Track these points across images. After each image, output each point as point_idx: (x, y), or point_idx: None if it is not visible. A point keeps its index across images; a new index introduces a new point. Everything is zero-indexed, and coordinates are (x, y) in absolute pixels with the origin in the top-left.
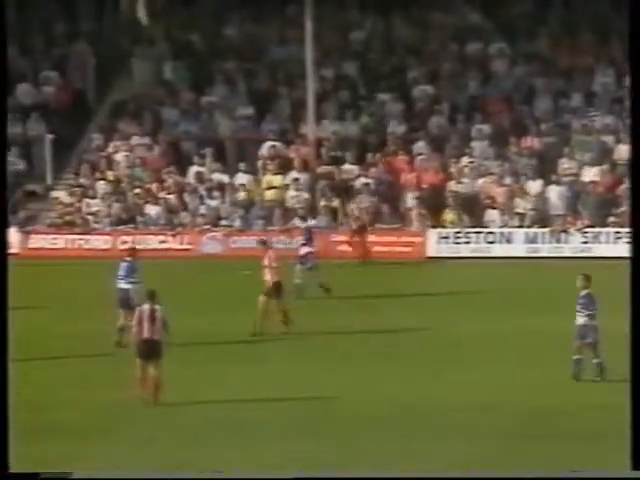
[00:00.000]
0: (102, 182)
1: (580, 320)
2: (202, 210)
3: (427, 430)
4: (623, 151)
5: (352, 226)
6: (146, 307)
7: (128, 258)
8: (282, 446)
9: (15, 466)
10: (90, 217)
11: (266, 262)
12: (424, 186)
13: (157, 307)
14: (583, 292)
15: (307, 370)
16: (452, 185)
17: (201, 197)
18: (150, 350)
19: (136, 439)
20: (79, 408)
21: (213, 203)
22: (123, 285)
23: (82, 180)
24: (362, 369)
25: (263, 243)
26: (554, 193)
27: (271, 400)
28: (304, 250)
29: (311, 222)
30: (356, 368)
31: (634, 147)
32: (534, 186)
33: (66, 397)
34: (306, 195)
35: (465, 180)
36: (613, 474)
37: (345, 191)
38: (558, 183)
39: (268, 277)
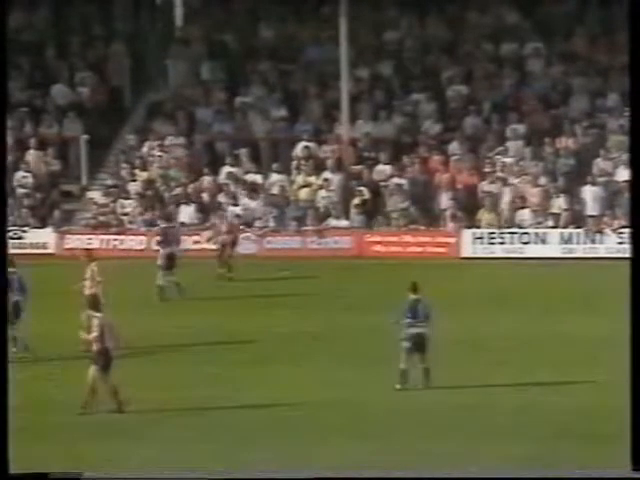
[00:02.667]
0: (137, 182)
1: (413, 329)
2: (236, 210)
3: (466, 430)
4: None
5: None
6: (104, 316)
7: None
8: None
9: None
10: (125, 217)
11: (88, 274)
12: (459, 186)
13: (101, 315)
14: (412, 298)
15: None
16: (487, 185)
17: (235, 197)
18: (109, 359)
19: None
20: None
21: (247, 203)
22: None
23: (117, 180)
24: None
25: (88, 256)
26: (589, 193)
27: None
28: (164, 251)
29: (167, 223)
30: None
31: (634, 147)
32: (570, 187)
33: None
34: (337, 195)
35: (500, 180)
36: (613, 474)
37: (378, 191)
38: (594, 183)
39: (88, 290)
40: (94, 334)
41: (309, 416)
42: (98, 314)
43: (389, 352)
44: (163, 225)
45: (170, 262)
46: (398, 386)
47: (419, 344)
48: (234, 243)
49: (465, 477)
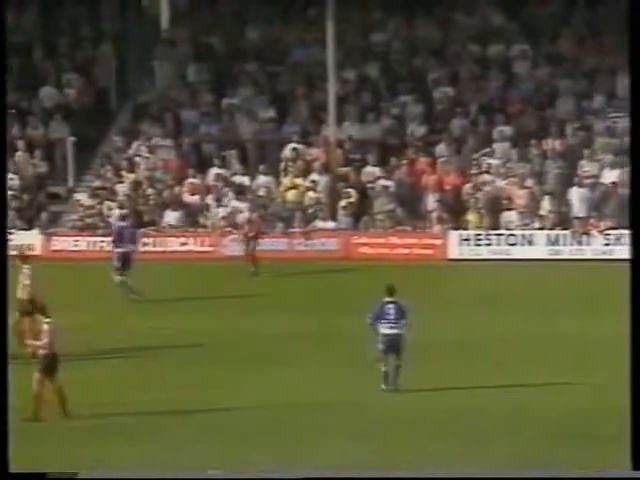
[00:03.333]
0: (124, 184)
1: (387, 330)
2: (223, 212)
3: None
4: None
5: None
6: (50, 319)
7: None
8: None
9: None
10: (112, 219)
11: (22, 278)
12: (445, 188)
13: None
14: (387, 300)
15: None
16: (473, 187)
17: (221, 199)
18: (56, 364)
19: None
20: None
21: (235, 205)
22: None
23: (104, 182)
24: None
25: (24, 258)
26: (576, 195)
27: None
28: (118, 250)
29: (121, 223)
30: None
31: (634, 147)
32: (557, 188)
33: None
34: (325, 197)
35: (487, 182)
36: (613, 474)
37: (366, 193)
38: (580, 185)
39: (21, 294)
40: (45, 340)
41: (302, 417)
42: (48, 319)
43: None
44: (118, 224)
45: (125, 262)
46: (383, 387)
47: (393, 345)
48: (257, 238)
49: (465, 477)
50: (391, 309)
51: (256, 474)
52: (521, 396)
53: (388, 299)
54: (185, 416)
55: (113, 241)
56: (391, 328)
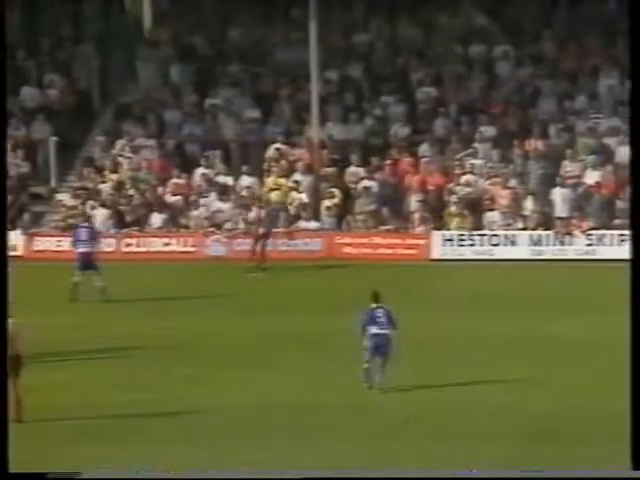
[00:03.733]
0: (106, 184)
1: (376, 330)
2: (206, 212)
3: (434, 432)
4: (626, 153)
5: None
6: (14, 320)
7: None
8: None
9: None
10: (94, 220)
11: None
12: (429, 188)
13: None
14: (373, 306)
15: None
16: (456, 187)
17: (202, 199)
18: (18, 365)
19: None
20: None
21: (218, 205)
22: None
23: (86, 183)
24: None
25: None
26: (558, 195)
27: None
28: (81, 250)
29: (83, 224)
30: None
31: (634, 148)
32: (539, 189)
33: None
34: (308, 197)
35: (469, 182)
36: (613, 474)
37: (349, 193)
38: (563, 185)
39: None
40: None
41: (283, 418)
42: (11, 320)
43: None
44: (80, 225)
45: (85, 263)
46: (367, 384)
47: (381, 345)
48: (267, 236)
49: (464, 477)
50: (380, 313)
51: (255, 474)
52: (502, 396)
53: (375, 305)
54: (167, 417)
55: (73, 242)
56: (380, 329)
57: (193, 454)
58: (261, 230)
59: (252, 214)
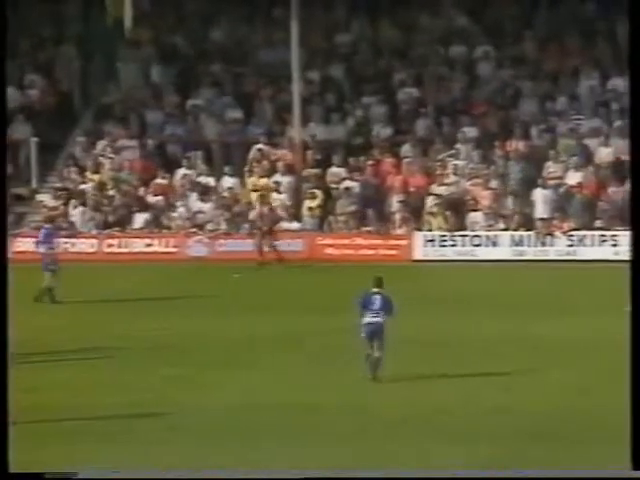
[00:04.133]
0: (88, 185)
1: (369, 319)
2: (188, 213)
3: (423, 433)
4: (607, 154)
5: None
6: None
7: None
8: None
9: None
10: (76, 220)
11: None
12: (411, 189)
13: None
14: (372, 291)
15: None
16: (438, 188)
17: (184, 200)
18: None
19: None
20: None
21: (199, 206)
22: None
23: (67, 183)
24: (351, 372)
25: None
26: (540, 196)
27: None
28: (42, 250)
29: (47, 225)
30: (345, 371)
31: (634, 149)
32: (520, 189)
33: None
34: (290, 198)
35: (451, 183)
36: (613, 474)
37: (331, 194)
38: (544, 186)
39: None
40: None
41: (268, 418)
42: None
43: (347, 354)
44: (44, 227)
45: (46, 263)
46: (368, 372)
47: (374, 333)
48: (272, 232)
49: (464, 477)
50: (376, 299)
51: (256, 474)
52: (482, 397)
53: (375, 290)
54: (153, 418)
55: (36, 243)
56: (373, 317)
57: (180, 454)
58: (265, 227)
59: (254, 212)
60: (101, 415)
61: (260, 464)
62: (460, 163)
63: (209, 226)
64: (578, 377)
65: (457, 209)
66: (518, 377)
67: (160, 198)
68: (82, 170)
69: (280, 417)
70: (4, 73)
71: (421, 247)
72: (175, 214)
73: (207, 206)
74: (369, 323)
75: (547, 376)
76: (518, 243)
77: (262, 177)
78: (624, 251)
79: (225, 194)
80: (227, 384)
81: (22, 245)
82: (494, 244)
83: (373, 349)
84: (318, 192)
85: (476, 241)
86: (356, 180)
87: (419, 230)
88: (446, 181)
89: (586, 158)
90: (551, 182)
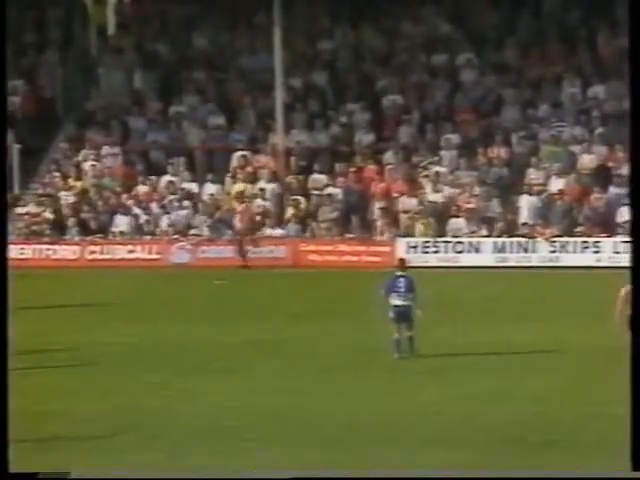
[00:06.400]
0: (70, 192)
1: (396, 301)
2: (171, 219)
3: (410, 439)
4: (589, 161)
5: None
6: None
7: None
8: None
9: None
10: (58, 227)
11: None
12: (394, 195)
13: None
14: (397, 274)
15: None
16: (421, 195)
17: (167, 206)
18: None
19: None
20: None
21: (182, 213)
22: None
23: (50, 190)
24: (338, 380)
25: None
26: (525, 202)
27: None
28: None
29: None
30: (330, 378)
31: (634, 150)
32: (503, 196)
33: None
34: (273, 204)
35: (434, 190)
36: (613, 474)
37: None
38: (530, 193)
39: None
40: None
41: (251, 424)
42: None
43: (331, 360)
44: None
45: None
46: (395, 355)
47: (402, 314)
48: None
49: (465, 477)
50: (401, 282)
51: (256, 474)
52: (462, 403)
53: (399, 273)
54: (132, 425)
55: None
56: (401, 299)
57: (159, 461)
58: (241, 233)
59: (237, 218)
60: (80, 421)
61: (243, 467)
62: (442, 170)
63: (192, 232)
64: (561, 382)
65: (440, 216)
66: (499, 383)
67: (143, 205)
68: (65, 176)
69: (261, 422)
70: (4, 73)
71: (404, 253)
72: (158, 221)
73: (190, 212)
74: (397, 305)
75: (528, 382)
76: (501, 249)
77: (245, 183)
78: (606, 258)
79: (207, 200)
80: (208, 391)
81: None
82: (477, 250)
83: (401, 331)
84: (301, 199)
85: (459, 247)
86: (339, 187)
87: (402, 236)
88: (429, 188)
89: (568, 165)
90: (536, 188)
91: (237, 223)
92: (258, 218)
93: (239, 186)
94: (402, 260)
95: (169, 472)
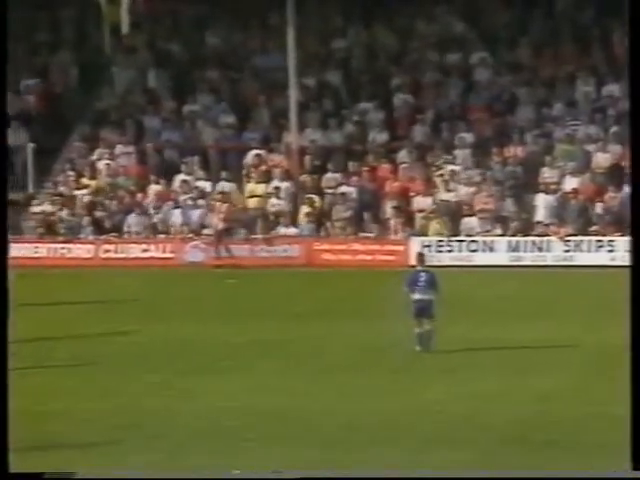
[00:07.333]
0: (85, 191)
1: (418, 296)
2: (185, 218)
3: (411, 439)
4: (604, 160)
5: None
6: None
7: None
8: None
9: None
10: (73, 226)
11: None
12: (408, 194)
13: None
14: (420, 269)
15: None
16: (435, 194)
17: (181, 205)
18: None
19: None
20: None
21: (196, 211)
22: None
23: (64, 189)
24: (342, 379)
25: None
26: (541, 201)
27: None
28: None
29: None
30: (335, 378)
31: (634, 152)
32: (517, 195)
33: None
34: (287, 203)
35: (448, 189)
36: (613, 474)
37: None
38: (547, 192)
39: None
40: None
41: (252, 424)
42: None
43: (337, 359)
44: None
45: None
46: (418, 348)
47: (423, 309)
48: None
49: (465, 477)
50: (422, 276)
51: (256, 474)
52: (472, 403)
53: (420, 267)
54: (134, 425)
55: None
56: (422, 294)
57: (160, 461)
58: (220, 230)
59: (218, 217)
60: (81, 421)
61: (245, 468)
62: (457, 169)
63: (206, 231)
64: (570, 381)
65: (454, 215)
66: (512, 383)
67: (157, 204)
68: (79, 176)
69: (265, 422)
70: (4, 74)
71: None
72: (172, 219)
73: (203, 211)
74: (418, 300)
75: (534, 381)
76: (515, 249)
77: (259, 182)
78: (620, 257)
79: (221, 199)
80: (212, 390)
81: (17, 251)
82: (491, 249)
83: (422, 325)
84: (315, 198)
85: (473, 246)
86: (353, 185)
87: (416, 236)
88: (443, 187)
89: (583, 164)
90: (552, 187)
91: (216, 222)
92: (272, 217)
93: (253, 185)
94: (421, 255)
95: (170, 472)
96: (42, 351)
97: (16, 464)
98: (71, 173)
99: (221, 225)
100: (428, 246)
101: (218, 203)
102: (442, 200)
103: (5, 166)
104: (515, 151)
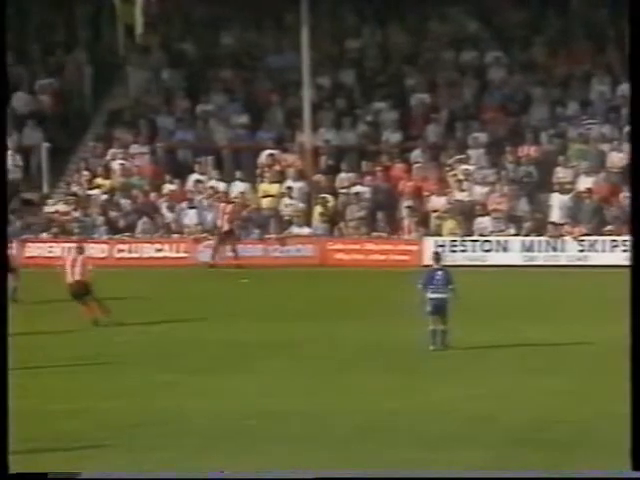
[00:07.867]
0: (99, 190)
1: (433, 294)
2: (198, 218)
3: (425, 439)
4: (619, 159)
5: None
6: None
7: None
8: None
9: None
10: (87, 225)
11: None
12: (425, 194)
13: None
14: (433, 267)
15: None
16: (448, 193)
17: (194, 205)
18: None
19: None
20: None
21: (210, 212)
22: None
23: (78, 189)
24: (353, 380)
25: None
26: (556, 201)
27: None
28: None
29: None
30: (346, 378)
31: (634, 152)
32: (531, 194)
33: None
34: (301, 203)
35: (462, 189)
36: (613, 474)
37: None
38: (561, 191)
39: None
40: None
41: (262, 425)
42: None
43: (352, 360)
44: None
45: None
46: (431, 347)
47: (438, 307)
48: (231, 232)
49: (464, 477)
50: (438, 275)
51: (256, 474)
52: (483, 403)
53: (436, 266)
54: (145, 423)
55: None
56: (437, 292)
57: (173, 460)
58: (223, 231)
59: (223, 218)
60: (93, 420)
61: (256, 468)
62: (470, 168)
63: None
64: (580, 381)
65: (468, 214)
66: (523, 384)
67: (171, 203)
68: (93, 175)
69: (274, 423)
70: (5, 74)
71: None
72: (186, 219)
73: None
74: (433, 298)
75: (543, 381)
76: (529, 248)
77: (272, 182)
78: None
79: (235, 199)
80: (223, 390)
81: (32, 250)
82: (505, 249)
83: (437, 323)
84: (329, 197)
85: (487, 246)
86: (366, 185)
87: (430, 235)
88: (457, 187)
89: (597, 163)
90: (566, 187)
91: (221, 223)
92: (286, 217)
93: (267, 185)
94: (437, 254)
95: (170, 473)
96: (57, 350)
97: (26, 463)
98: (85, 173)
99: (226, 226)
100: (442, 246)
101: (222, 204)
102: (456, 200)
103: (5, 166)
104: (529, 151)
